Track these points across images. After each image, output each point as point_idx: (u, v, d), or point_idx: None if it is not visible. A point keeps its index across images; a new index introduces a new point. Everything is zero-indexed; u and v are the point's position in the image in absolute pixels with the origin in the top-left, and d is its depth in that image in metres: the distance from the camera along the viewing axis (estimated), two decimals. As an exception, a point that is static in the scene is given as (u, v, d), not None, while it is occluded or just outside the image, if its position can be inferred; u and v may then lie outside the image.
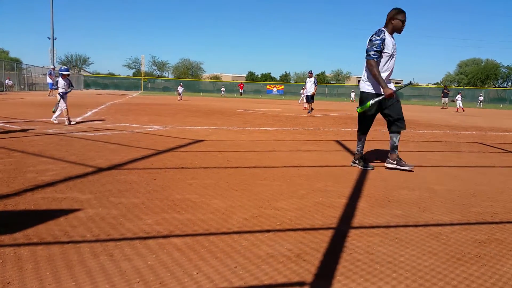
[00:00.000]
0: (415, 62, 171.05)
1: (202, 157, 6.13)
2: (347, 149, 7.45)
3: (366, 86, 5.49)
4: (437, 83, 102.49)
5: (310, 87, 19.57)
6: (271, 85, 79.74)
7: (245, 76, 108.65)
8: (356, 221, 3.35)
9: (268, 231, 3.04)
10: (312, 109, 19.78)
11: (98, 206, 3.46)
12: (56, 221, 3.06)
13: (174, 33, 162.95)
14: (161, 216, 3.26)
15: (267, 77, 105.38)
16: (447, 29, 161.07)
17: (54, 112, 10.04)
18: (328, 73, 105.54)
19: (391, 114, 5.46)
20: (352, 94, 58.45)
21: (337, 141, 8.58)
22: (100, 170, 4.90)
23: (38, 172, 4.63)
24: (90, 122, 10.53)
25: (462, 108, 29.65)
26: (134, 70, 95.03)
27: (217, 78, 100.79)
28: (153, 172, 4.91)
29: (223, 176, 4.84)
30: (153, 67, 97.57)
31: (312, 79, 19.77)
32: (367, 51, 5.26)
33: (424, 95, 72.83)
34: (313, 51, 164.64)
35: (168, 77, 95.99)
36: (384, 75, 5.31)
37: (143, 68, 70.96)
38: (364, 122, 5.69)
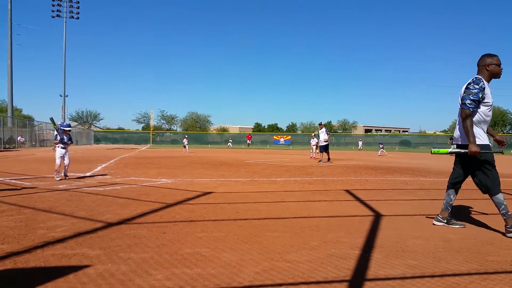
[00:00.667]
0: (421, 110, 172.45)
1: (211, 209, 6.10)
2: (358, 199, 7.39)
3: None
4: (444, 131, 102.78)
5: (323, 138, 19.74)
6: (278, 136, 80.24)
7: (252, 127, 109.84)
8: (371, 273, 3.27)
9: (280, 285, 2.98)
10: (329, 159, 19.87)
11: (107, 262, 3.42)
12: (65, 278, 3.02)
13: (182, 88, 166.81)
14: (171, 271, 3.22)
15: (274, 128, 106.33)
16: (452, 77, 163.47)
17: (66, 169, 10.20)
18: (334, 123, 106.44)
19: (477, 178, 5.00)
20: (360, 143, 58.47)
21: (347, 191, 8.53)
22: (109, 225, 4.89)
23: (48, 229, 4.63)
24: (99, 177, 10.61)
25: None
26: (143, 124, 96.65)
27: (224, 130, 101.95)
28: (162, 225, 4.88)
29: (232, 229, 4.80)
30: (162, 121, 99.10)
31: (324, 129, 20.01)
32: (462, 100, 4.73)
33: (432, 143, 72.69)
34: (319, 101, 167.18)
35: (176, 130, 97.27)
36: (484, 127, 4.86)
37: (152, 122, 72.15)
38: (453, 171, 5.29)
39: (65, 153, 10.20)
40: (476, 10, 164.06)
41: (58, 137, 10.26)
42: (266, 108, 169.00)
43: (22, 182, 9.15)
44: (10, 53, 40.33)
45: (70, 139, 10.55)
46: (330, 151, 20.19)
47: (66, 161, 10.19)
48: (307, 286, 2.95)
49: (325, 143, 19.76)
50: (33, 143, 41.95)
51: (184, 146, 33.83)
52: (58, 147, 10.18)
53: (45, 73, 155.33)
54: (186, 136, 37.32)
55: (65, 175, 10.09)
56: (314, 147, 26.00)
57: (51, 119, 11.19)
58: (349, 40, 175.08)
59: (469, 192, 8.62)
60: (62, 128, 10.47)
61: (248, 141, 66.35)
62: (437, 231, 4.85)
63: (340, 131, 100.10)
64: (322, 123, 20.99)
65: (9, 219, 5.12)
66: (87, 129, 79.47)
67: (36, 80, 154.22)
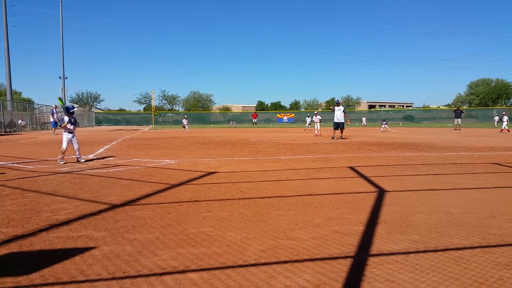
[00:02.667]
0: (425, 85, 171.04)
1: (215, 189, 6.12)
2: (362, 175, 7.39)
3: None
4: (448, 105, 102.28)
5: (340, 115, 19.59)
6: (282, 114, 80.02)
7: (255, 106, 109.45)
8: (375, 248, 3.29)
9: (286, 262, 2.99)
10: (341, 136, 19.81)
11: (113, 243, 3.45)
12: (71, 260, 3.05)
13: (184, 67, 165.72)
14: (176, 251, 3.24)
15: (277, 106, 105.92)
16: (455, 51, 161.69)
17: (77, 153, 10.05)
18: (338, 99, 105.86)
19: None
20: (364, 119, 58.19)
21: (351, 167, 8.52)
22: (114, 206, 4.91)
23: (52, 211, 4.66)
24: (102, 159, 10.62)
25: (508, 129, 27.84)
26: (145, 105, 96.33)
27: (227, 109, 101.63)
28: (167, 206, 4.91)
29: (237, 208, 4.81)
30: (164, 101, 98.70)
31: (342, 107, 19.92)
32: None
33: (436, 117, 72.48)
34: (322, 78, 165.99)
35: (178, 110, 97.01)
36: None
37: (154, 103, 71.86)
38: None
39: (73, 137, 9.90)
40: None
41: (65, 119, 9.87)
42: (269, 86, 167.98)
43: (24, 166, 9.17)
44: (6, 35, 39.80)
45: (75, 122, 10.19)
46: (331, 128, 20.05)
47: (76, 146, 9.93)
48: (312, 263, 2.97)
49: (341, 121, 19.66)
50: (34, 126, 41.94)
51: (184, 126, 33.71)
52: (65, 132, 9.93)
53: (44, 55, 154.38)
54: (186, 116, 37.19)
55: (78, 160, 9.91)
56: (319, 124, 26.02)
57: (59, 98, 10.94)
58: (351, 14, 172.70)
59: (472, 166, 8.61)
60: (68, 110, 10.10)
61: (254, 119, 66.15)
62: (441, 205, 4.85)
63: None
64: (339, 101, 21.03)
65: (12, 202, 5.15)
66: (88, 111, 79.27)
67: (34, 63, 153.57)
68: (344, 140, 18.62)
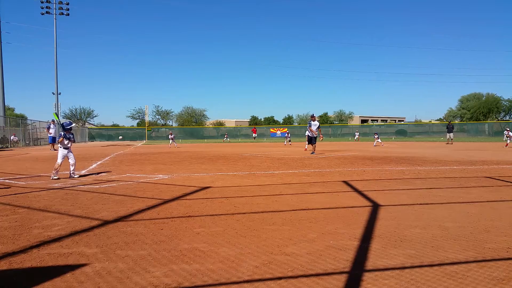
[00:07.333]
0: (417, 99, 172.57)
1: (209, 204, 6.08)
2: (355, 190, 7.38)
3: None
4: (440, 119, 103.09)
5: (315, 130, 19.73)
6: (275, 128, 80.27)
7: (248, 120, 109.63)
8: (370, 263, 3.27)
9: (280, 278, 2.96)
10: (313, 152, 19.88)
11: (105, 260, 3.40)
12: (62, 278, 3.00)
13: (177, 82, 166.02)
14: (169, 268, 3.20)
15: (270, 121, 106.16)
16: (446, 66, 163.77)
17: (72, 169, 9.96)
18: (330, 114, 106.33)
19: None
20: (357, 134, 58.45)
21: (345, 182, 8.52)
22: (106, 222, 4.86)
23: (44, 228, 4.59)
24: (95, 174, 10.55)
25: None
26: (138, 120, 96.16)
27: (220, 124, 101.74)
28: (160, 222, 4.86)
29: (230, 223, 4.78)
30: (157, 116, 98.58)
31: (317, 123, 20.01)
32: None
33: (428, 131, 72.94)
34: (314, 92, 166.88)
35: (172, 126, 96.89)
36: None
37: (147, 118, 71.71)
38: None
39: (68, 152, 9.91)
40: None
41: (62, 133, 9.87)
42: (262, 101, 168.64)
43: (16, 182, 9.08)
44: (0, 52, 39.89)
45: (73, 137, 10.20)
46: (325, 142, 20.06)
47: (71, 161, 9.91)
48: (306, 279, 2.94)
49: (311, 135, 19.77)
50: (27, 142, 41.59)
51: (172, 139, 34.01)
52: (61, 147, 9.92)
53: (37, 71, 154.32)
54: (171, 131, 37.59)
55: (71, 175, 9.83)
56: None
57: (55, 113, 10.91)
58: (344, 31, 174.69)
59: (465, 180, 8.64)
60: (63, 127, 10.10)
61: (254, 134, 66.65)
62: (435, 220, 4.85)
63: (336, 122, 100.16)
64: (315, 115, 21.10)
65: (3, 219, 5.08)
66: (81, 126, 78.94)
67: (28, 79, 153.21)
68: (337, 154, 18.65)
